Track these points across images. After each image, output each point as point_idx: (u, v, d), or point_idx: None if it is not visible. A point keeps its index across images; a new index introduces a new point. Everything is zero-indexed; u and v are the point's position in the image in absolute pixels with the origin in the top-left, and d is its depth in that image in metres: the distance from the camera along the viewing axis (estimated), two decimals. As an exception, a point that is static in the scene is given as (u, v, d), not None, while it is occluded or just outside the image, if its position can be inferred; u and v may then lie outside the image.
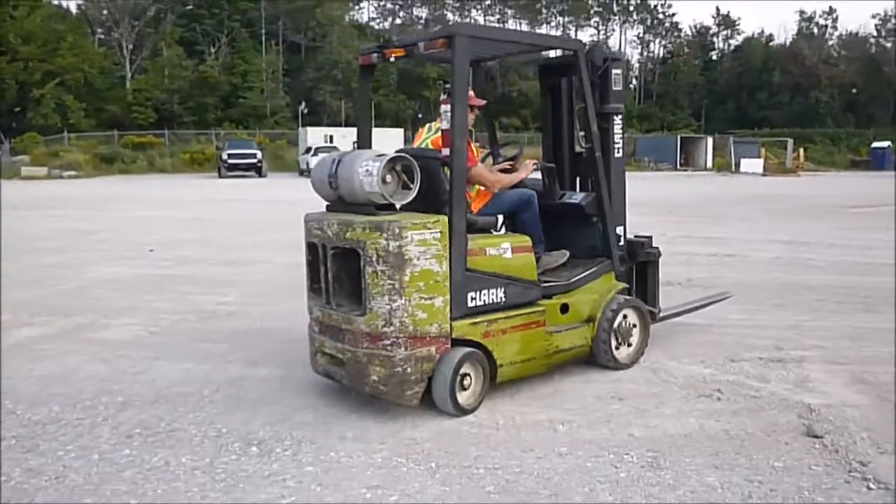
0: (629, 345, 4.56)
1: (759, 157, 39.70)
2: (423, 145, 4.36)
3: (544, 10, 74.35)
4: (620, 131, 4.66)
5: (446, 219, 3.65)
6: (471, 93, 4.22)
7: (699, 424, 3.56)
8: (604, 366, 4.43)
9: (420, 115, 39.13)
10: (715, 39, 75.91)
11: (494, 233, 4.30)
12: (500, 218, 4.50)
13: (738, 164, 39.59)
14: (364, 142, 4.47)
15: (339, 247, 3.71)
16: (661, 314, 5.00)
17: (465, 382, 3.72)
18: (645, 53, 77.38)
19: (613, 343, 4.44)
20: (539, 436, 3.43)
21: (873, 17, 70.69)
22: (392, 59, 4.20)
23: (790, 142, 44.74)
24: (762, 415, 3.70)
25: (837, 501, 2.79)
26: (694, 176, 35.89)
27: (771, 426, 3.54)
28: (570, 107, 4.81)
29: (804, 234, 11.29)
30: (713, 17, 75.40)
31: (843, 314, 5.94)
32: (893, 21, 66.97)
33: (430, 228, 3.57)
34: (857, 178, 36.80)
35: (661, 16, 75.29)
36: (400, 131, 41.97)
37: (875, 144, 49.76)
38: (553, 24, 75.57)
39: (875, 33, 68.55)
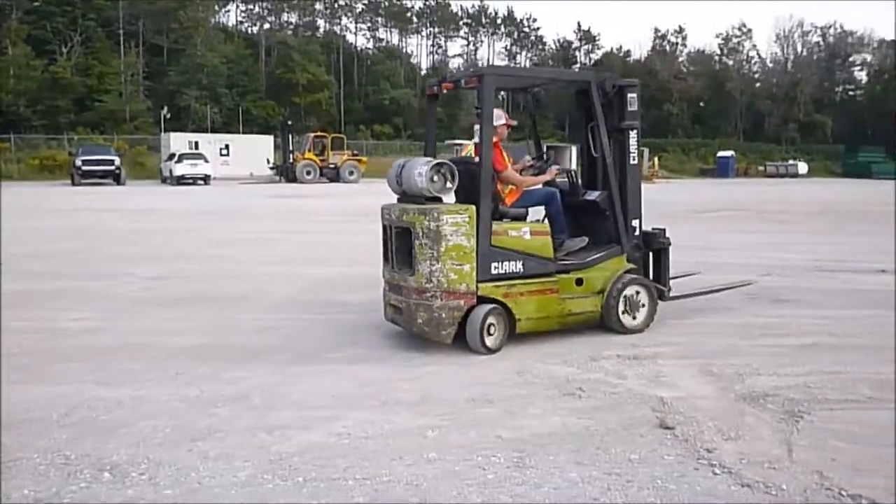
0: (637, 314, 5.51)
1: (619, 165, 41.75)
2: (468, 155, 5.70)
3: (415, 20, 75.10)
4: (636, 143, 5.74)
5: (474, 207, 4.84)
6: (505, 115, 5.53)
7: (562, 423, 3.69)
8: (614, 329, 5.42)
9: (290, 122, 38.28)
10: (577, 53, 79.44)
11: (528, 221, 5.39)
12: (542, 211, 5.62)
13: (600, 172, 41.49)
14: (430, 152, 5.52)
15: (399, 227, 5.04)
16: (673, 293, 5.96)
17: (491, 330, 4.91)
18: (512, 65, 79.77)
19: (621, 311, 5.43)
20: (409, 443, 3.43)
21: (717, 36, 76.41)
22: (445, 91, 5.48)
23: (646, 151, 47.47)
24: (620, 410, 3.88)
25: (687, 488, 2.97)
26: (560, 183, 37.29)
27: (628, 420, 3.72)
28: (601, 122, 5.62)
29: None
30: (575, 32, 78.82)
31: (694, 311, 6.33)
32: (734, 41, 72.79)
33: (460, 214, 4.81)
34: (705, 184, 39.64)
35: (526, 29, 77.99)
36: (269, 138, 41.05)
37: (720, 154, 53.96)
38: (424, 33, 76.55)
39: (718, 52, 74.27)
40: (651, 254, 5.89)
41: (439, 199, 4.99)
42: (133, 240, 12.21)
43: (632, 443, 3.44)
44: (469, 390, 4.19)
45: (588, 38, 78.39)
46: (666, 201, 23.31)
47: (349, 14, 71.38)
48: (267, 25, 67.25)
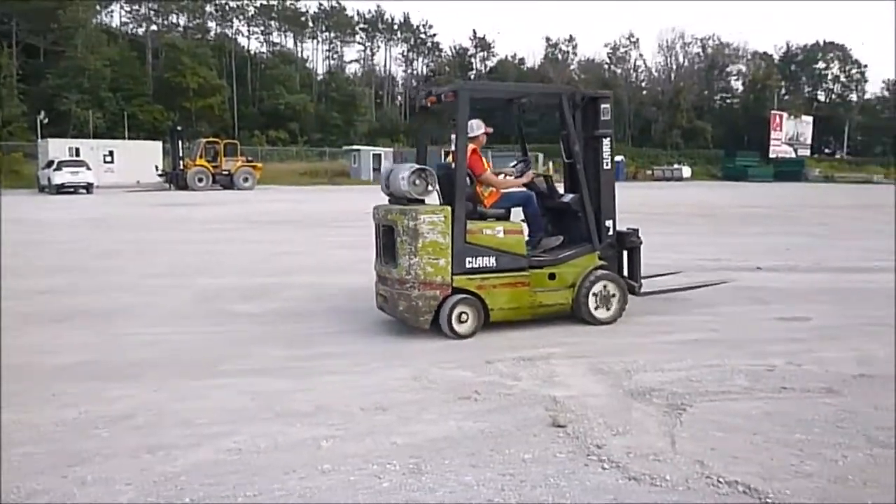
0: (608, 307, 5.96)
1: (515, 169, 42.68)
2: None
3: (310, 24, 74.20)
4: (609, 150, 6.15)
5: (450, 208, 5.40)
6: (482, 124, 5.94)
7: (458, 426, 3.71)
8: (585, 321, 5.86)
9: (179, 128, 36.89)
10: (473, 60, 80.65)
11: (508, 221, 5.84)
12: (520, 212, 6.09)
13: (497, 177, 42.30)
14: (421, 160, 6.04)
15: (385, 225, 5.65)
16: (644, 290, 6.45)
17: (463, 318, 5.46)
18: (409, 71, 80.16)
19: (592, 304, 5.88)
20: (302, 455, 3.36)
21: (605, 45, 79.42)
22: (429, 105, 6.07)
23: (541, 156, 48.80)
24: (514, 411, 3.95)
25: (577, 484, 3.05)
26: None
27: (522, 421, 3.79)
28: (580, 132, 6.09)
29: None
30: (471, 39, 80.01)
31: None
32: (622, 50, 75.91)
33: (436, 214, 5.37)
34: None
35: (423, 36, 78.50)
36: (158, 144, 39.40)
37: (611, 158, 55.89)
38: (320, 38, 75.74)
39: (608, 60, 77.22)
40: (625, 252, 6.35)
41: (422, 201, 5.55)
42: (8, 252, 11.40)
43: (525, 443, 3.50)
44: (365, 399, 4.15)
45: (483, 45, 79.79)
46: (560, 205, 23.98)
47: (241, 17, 69.68)
48: (154, 27, 64.68)
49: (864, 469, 3.23)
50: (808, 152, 65.43)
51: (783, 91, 75.64)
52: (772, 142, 62.06)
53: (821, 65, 78.57)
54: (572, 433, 3.61)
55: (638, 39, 78.16)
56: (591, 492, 2.98)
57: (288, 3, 70.51)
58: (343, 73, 74.21)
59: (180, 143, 34.27)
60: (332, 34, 76.01)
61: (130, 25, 65.64)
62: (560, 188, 6.51)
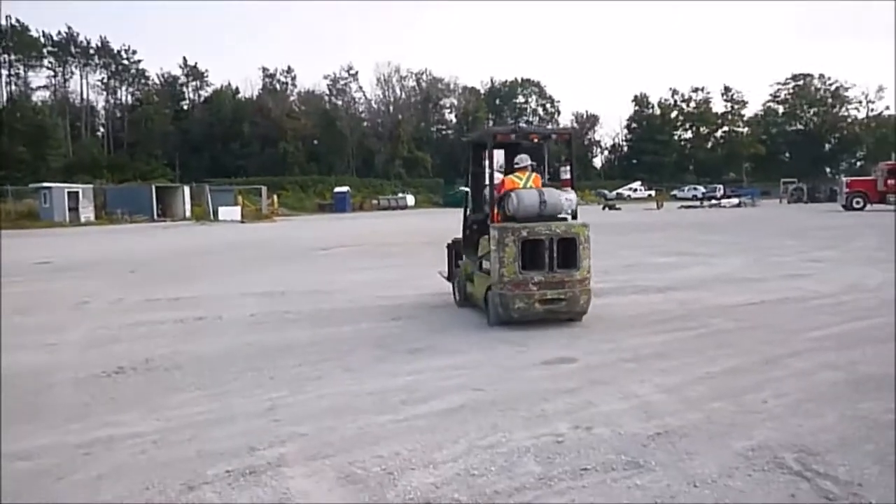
0: None
1: (236, 204, 40.27)
2: (526, 186, 7.44)
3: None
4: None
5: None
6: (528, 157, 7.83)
7: None
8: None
9: None
10: (185, 89, 75.85)
11: None
12: None
13: (216, 213, 39.51)
14: (490, 189, 7.85)
15: (563, 237, 6.84)
16: None
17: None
18: (112, 100, 73.05)
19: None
20: None
21: (325, 77, 79.30)
22: (535, 141, 7.96)
23: (264, 189, 46.70)
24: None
25: None
26: (172, 227, 34.38)
27: None
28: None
29: (281, 283, 10.84)
30: (181, 67, 75.08)
31: (322, 380, 5.19)
32: (342, 82, 76.50)
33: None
34: (324, 219, 40.20)
35: (125, 62, 72.02)
36: None
37: (336, 189, 55.72)
38: (-3, 61, 66.05)
39: (328, 92, 77.23)
40: None
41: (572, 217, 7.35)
42: None
43: None
44: None
45: (195, 73, 75.39)
46: (283, 238, 22.57)
47: None
48: None
49: None
50: (516, 179, 70.91)
51: (492, 122, 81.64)
52: (486, 170, 66.26)
53: (521, 98, 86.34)
54: None
55: (357, 72, 79.05)
56: None
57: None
58: (29, 101, 65.17)
59: None
60: (13, 57, 66.61)
61: None
62: None
